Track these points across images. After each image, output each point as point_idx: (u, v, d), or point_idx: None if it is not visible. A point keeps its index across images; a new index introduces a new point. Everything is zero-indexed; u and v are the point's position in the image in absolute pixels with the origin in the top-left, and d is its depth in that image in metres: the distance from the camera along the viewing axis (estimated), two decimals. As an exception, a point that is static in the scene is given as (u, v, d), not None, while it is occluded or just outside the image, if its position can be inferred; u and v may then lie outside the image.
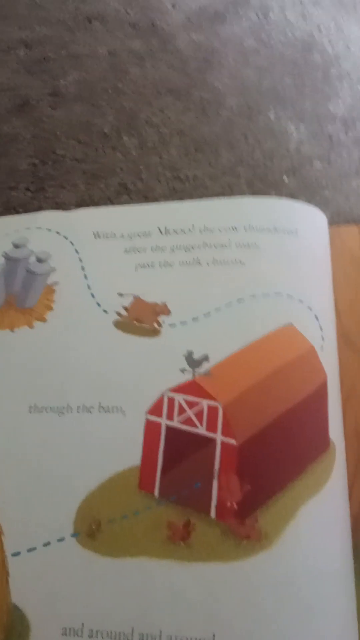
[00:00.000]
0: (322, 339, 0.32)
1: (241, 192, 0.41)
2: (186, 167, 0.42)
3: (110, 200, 0.41)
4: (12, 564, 0.28)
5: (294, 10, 0.50)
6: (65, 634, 0.26)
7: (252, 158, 0.42)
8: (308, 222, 0.36)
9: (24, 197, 0.41)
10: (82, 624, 0.26)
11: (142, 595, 0.26)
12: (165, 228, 0.36)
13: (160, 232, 0.36)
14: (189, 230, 0.36)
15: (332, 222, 0.39)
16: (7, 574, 0.27)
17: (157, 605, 0.26)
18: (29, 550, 0.28)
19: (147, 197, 0.41)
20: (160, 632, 0.26)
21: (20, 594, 0.27)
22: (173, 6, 0.51)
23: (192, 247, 0.35)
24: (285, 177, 0.41)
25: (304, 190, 0.41)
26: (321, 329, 0.32)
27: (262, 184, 0.41)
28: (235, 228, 0.35)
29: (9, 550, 0.28)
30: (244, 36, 0.49)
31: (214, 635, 0.25)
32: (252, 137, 0.43)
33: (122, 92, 0.46)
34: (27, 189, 0.42)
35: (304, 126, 0.44)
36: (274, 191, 0.41)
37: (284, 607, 0.26)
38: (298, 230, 0.35)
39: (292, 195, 0.40)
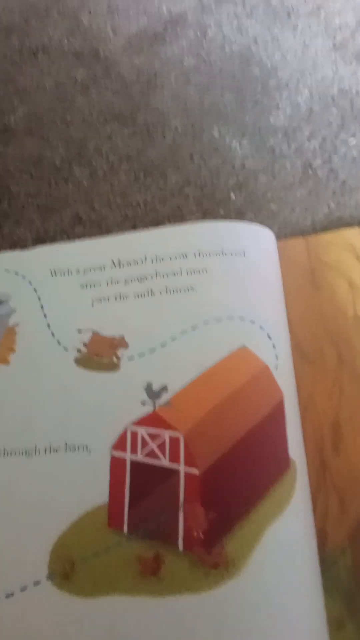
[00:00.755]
0: (276, 357, 0.31)
1: (190, 213, 0.39)
2: (136, 193, 0.40)
3: (65, 233, 0.39)
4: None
5: (230, 25, 0.48)
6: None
7: (199, 177, 0.41)
8: (255, 241, 0.34)
9: (-18, 237, 0.40)
10: (61, 665, 0.25)
11: (116, 632, 0.25)
12: (119, 260, 0.35)
13: (114, 264, 0.35)
14: (142, 260, 0.34)
15: (280, 234, 0.38)
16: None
17: (132, 642, 0.25)
18: (7, 596, 0.27)
19: (100, 226, 0.39)
20: (137, 667, 0.25)
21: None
22: (113, 32, 0.49)
23: (145, 278, 0.34)
24: (232, 194, 0.40)
25: (251, 205, 0.39)
26: (274, 347, 0.31)
27: (210, 202, 0.40)
28: (185, 255, 0.34)
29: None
30: (184, 55, 0.47)
31: (188, 667, 0.25)
32: (197, 157, 0.42)
33: (69, 122, 0.44)
34: (-16, 229, 0.40)
35: (246, 141, 0.42)
36: (222, 209, 0.39)
37: (256, 630, 0.25)
38: (245, 251, 0.34)
39: (240, 211, 0.39)
